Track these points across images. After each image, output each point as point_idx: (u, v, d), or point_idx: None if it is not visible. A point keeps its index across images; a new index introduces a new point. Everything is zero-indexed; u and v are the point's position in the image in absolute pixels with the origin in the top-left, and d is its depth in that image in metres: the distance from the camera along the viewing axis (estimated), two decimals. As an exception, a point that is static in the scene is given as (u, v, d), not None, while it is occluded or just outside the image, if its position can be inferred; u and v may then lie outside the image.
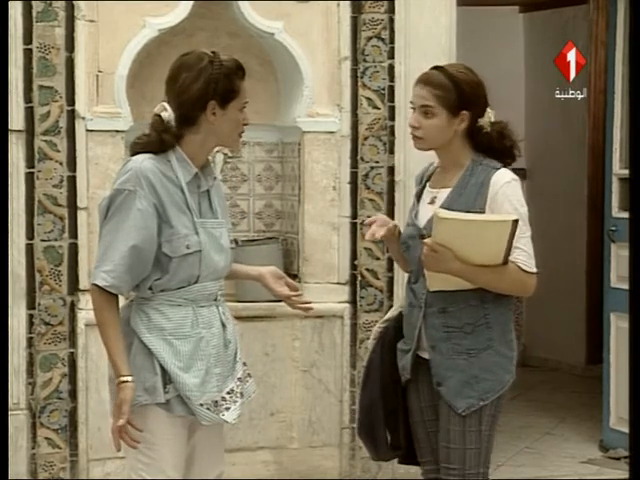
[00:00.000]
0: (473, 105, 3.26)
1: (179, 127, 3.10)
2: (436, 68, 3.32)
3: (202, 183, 3.17)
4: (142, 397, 3.07)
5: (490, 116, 3.30)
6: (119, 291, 3.06)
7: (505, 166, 3.29)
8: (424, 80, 3.29)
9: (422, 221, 3.31)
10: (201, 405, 3.10)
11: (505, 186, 3.21)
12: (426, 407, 3.36)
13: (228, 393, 3.19)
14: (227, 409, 3.16)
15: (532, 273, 3.22)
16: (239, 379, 3.23)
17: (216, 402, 3.14)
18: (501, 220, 3.13)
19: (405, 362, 3.35)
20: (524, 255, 3.19)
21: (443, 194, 3.28)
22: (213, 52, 3.13)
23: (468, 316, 3.24)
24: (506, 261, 3.16)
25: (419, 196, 3.39)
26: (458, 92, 3.23)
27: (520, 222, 3.15)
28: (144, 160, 3.09)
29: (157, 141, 3.10)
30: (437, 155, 3.37)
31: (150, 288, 3.11)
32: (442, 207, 3.23)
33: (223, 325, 3.19)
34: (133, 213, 3.03)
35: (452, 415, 3.24)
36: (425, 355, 3.30)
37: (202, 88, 3.07)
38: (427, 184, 3.39)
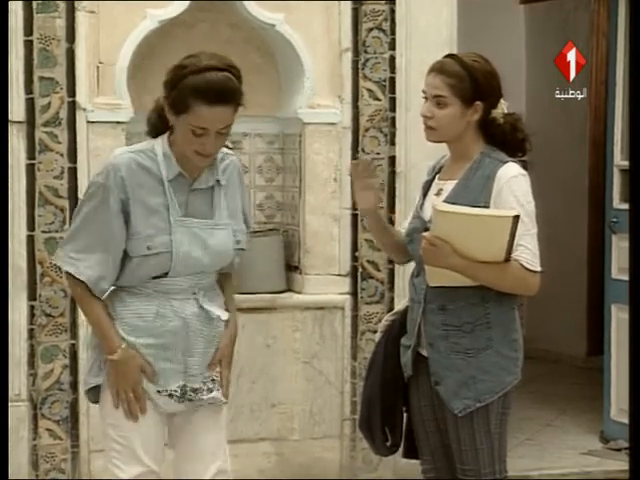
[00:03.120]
0: (487, 96, 3.19)
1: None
2: (450, 56, 3.25)
3: (198, 181, 3.12)
4: (99, 377, 3.14)
5: (503, 107, 3.23)
6: (90, 282, 3.07)
7: (514, 156, 3.23)
8: (438, 69, 3.21)
9: (427, 214, 3.25)
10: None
11: (511, 180, 3.14)
12: (425, 406, 3.32)
13: (188, 389, 3.18)
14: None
15: (536, 272, 3.14)
16: (194, 390, 3.18)
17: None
18: (501, 215, 3.06)
19: (406, 359, 3.31)
20: (527, 253, 3.11)
21: (449, 186, 3.23)
22: (208, 65, 2.99)
23: (468, 315, 3.18)
24: (508, 258, 3.09)
25: (427, 188, 3.34)
26: (472, 82, 3.17)
27: (526, 218, 3.09)
28: (123, 154, 3.11)
29: (150, 123, 3.15)
30: (447, 147, 3.31)
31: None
32: (447, 199, 3.18)
33: (205, 317, 3.15)
34: (101, 207, 3.06)
35: (459, 418, 3.20)
36: (425, 352, 3.26)
37: (164, 85, 3.05)
38: (437, 176, 3.34)
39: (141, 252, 3.06)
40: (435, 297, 3.21)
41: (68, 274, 3.11)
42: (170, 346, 3.12)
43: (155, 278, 3.11)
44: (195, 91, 2.96)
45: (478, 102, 3.19)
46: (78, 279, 3.08)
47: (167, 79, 3.05)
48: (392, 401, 3.37)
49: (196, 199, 3.13)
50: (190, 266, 3.10)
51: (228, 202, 3.18)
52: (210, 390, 3.18)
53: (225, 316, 3.21)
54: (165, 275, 3.10)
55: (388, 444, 3.44)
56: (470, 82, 3.17)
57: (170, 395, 3.14)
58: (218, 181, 3.15)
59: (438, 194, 3.26)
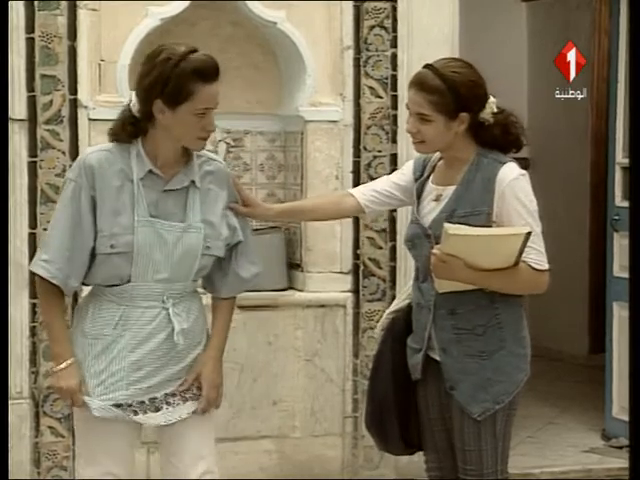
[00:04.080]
0: (471, 105, 3.14)
1: (141, 119, 3.07)
2: (430, 67, 3.17)
3: (172, 181, 3.10)
4: None
5: (492, 107, 3.18)
6: (61, 282, 3.06)
7: (509, 153, 3.21)
8: (418, 84, 3.15)
9: (427, 219, 3.23)
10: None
11: (512, 183, 3.12)
12: (432, 405, 3.31)
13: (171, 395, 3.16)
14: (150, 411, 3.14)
15: (544, 270, 3.14)
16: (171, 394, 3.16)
17: (142, 402, 3.13)
18: (513, 234, 3.06)
19: (415, 362, 3.30)
20: (535, 253, 3.11)
21: (449, 191, 3.20)
22: (189, 49, 3.00)
23: (478, 317, 3.17)
24: (517, 263, 3.10)
25: (420, 190, 3.31)
26: (454, 96, 3.11)
27: (529, 219, 3.09)
28: (94, 152, 3.10)
29: (120, 131, 3.10)
30: (440, 153, 3.28)
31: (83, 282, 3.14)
32: (448, 205, 3.17)
33: (173, 328, 3.11)
34: (72, 203, 3.06)
35: (466, 418, 3.19)
36: (435, 356, 3.25)
37: (149, 84, 3.01)
38: (430, 177, 3.31)
39: (104, 250, 3.05)
40: (444, 302, 3.20)
41: (38, 277, 3.09)
42: (121, 360, 3.10)
43: (119, 285, 3.08)
44: (195, 74, 2.97)
45: (463, 114, 3.14)
46: (47, 281, 3.06)
47: (154, 78, 3.00)
48: (406, 400, 3.36)
49: (169, 200, 3.10)
50: (153, 268, 3.07)
51: (206, 207, 3.13)
52: (170, 404, 3.15)
53: (195, 333, 3.17)
54: (129, 280, 3.07)
55: (403, 444, 3.41)
56: (452, 96, 3.11)
57: (132, 408, 3.11)
58: (193, 182, 3.12)
59: (437, 200, 3.23)
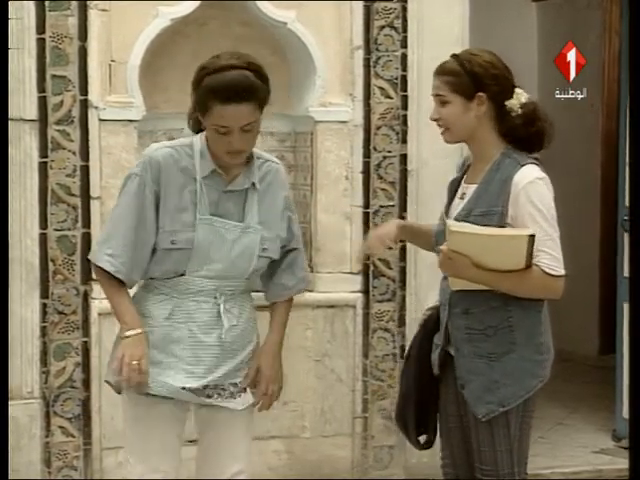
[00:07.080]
0: (488, 85, 3.15)
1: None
2: (452, 55, 3.24)
3: (234, 183, 3.13)
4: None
5: (520, 98, 3.18)
6: (124, 277, 3.09)
7: (533, 151, 3.21)
8: (438, 70, 3.22)
9: (451, 217, 3.23)
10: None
11: (527, 186, 3.11)
12: (450, 402, 3.31)
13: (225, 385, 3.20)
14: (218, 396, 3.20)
15: (559, 276, 3.12)
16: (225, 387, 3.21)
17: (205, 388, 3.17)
18: (515, 235, 3.04)
19: (434, 357, 3.31)
20: (548, 258, 3.08)
21: (471, 190, 3.20)
22: (227, 64, 3.01)
23: (490, 318, 3.16)
24: (529, 265, 3.08)
25: (453, 189, 3.32)
26: (469, 75, 3.14)
27: (544, 224, 3.07)
28: (159, 148, 3.14)
29: (190, 120, 3.18)
30: (468, 148, 3.29)
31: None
32: (468, 204, 3.17)
33: (222, 324, 3.15)
34: (136, 199, 3.09)
35: (478, 419, 3.19)
36: (453, 353, 3.26)
37: (192, 89, 3.08)
38: (464, 177, 3.32)
39: (165, 246, 3.08)
40: (459, 301, 3.20)
41: (98, 268, 3.12)
42: (175, 352, 3.13)
43: (172, 278, 3.11)
44: (211, 91, 2.99)
45: (480, 93, 3.15)
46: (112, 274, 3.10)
47: (192, 80, 3.09)
48: (426, 396, 3.36)
49: (229, 200, 3.14)
50: (208, 265, 3.10)
51: (263, 208, 3.17)
52: (232, 394, 3.20)
53: (246, 332, 3.23)
54: (183, 273, 3.11)
55: (421, 439, 3.43)
56: (466, 75, 3.14)
57: (184, 389, 3.15)
58: (254, 184, 3.16)
59: (462, 198, 3.25)
